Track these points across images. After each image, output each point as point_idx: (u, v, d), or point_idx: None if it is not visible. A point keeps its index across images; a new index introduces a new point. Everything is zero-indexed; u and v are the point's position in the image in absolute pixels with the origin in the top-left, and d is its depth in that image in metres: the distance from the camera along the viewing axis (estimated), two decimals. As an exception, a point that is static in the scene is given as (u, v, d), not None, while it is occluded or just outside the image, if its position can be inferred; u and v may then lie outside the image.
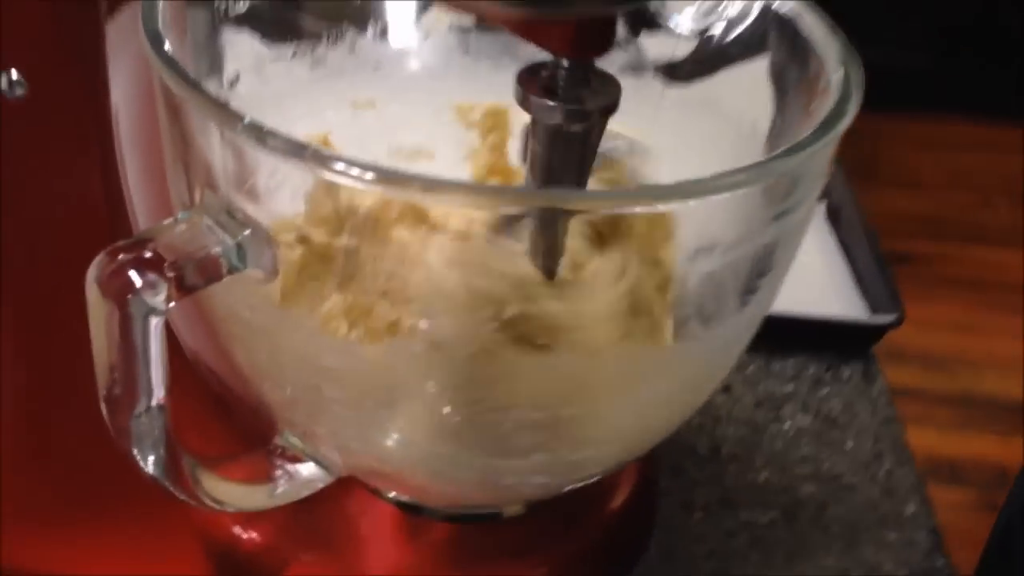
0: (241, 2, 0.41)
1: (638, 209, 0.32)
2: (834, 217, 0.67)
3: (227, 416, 0.41)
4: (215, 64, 0.40)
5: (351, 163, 0.28)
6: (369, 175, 0.28)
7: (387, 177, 0.28)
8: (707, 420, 0.52)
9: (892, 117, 2.85)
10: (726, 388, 0.54)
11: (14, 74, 0.33)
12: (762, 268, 0.36)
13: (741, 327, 0.37)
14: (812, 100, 0.37)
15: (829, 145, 0.32)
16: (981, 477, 1.76)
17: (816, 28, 0.38)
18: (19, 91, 0.33)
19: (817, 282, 0.61)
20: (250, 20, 0.41)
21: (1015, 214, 2.14)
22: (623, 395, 0.34)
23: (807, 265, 0.63)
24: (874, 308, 0.59)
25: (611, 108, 0.33)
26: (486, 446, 0.34)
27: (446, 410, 0.32)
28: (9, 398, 0.38)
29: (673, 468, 0.49)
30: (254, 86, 0.43)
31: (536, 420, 0.33)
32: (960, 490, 1.75)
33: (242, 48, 0.42)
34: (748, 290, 0.36)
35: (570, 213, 0.32)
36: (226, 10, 0.40)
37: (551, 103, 0.32)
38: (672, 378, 0.35)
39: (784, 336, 0.56)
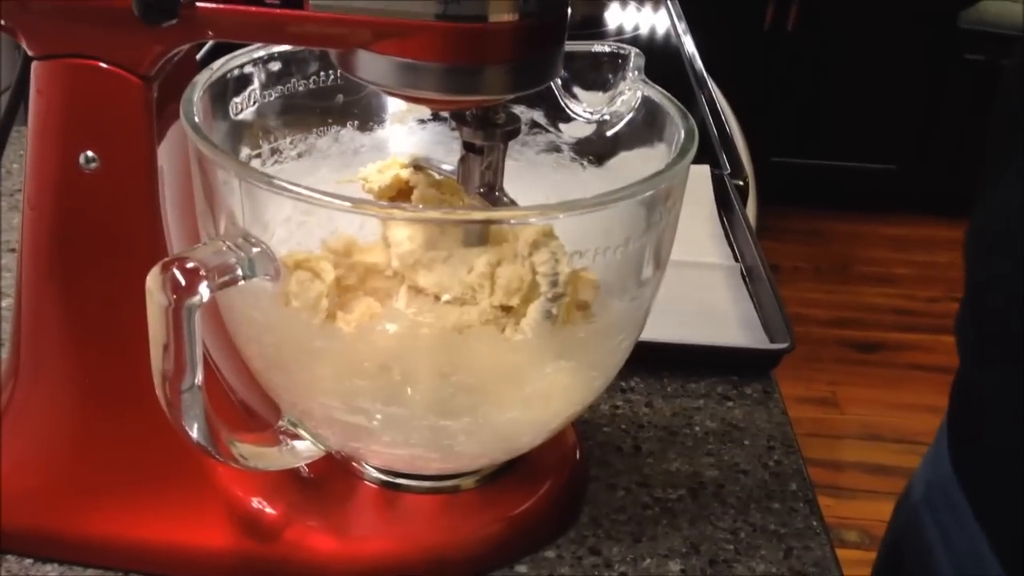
0: (248, 109, 0.54)
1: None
2: (747, 275, 0.81)
3: (239, 407, 0.53)
4: (230, 149, 0.53)
5: (330, 195, 0.41)
6: (345, 203, 0.41)
7: (356, 203, 0.41)
8: (631, 427, 0.64)
9: (866, 219, 3.04)
10: (648, 403, 0.66)
11: (90, 153, 0.46)
12: (642, 265, 0.49)
13: (622, 320, 0.49)
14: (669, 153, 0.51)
15: (678, 175, 0.47)
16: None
17: (673, 109, 0.52)
18: (93, 166, 0.46)
19: (730, 322, 0.74)
20: (257, 119, 0.55)
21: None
22: (528, 367, 0.46)
23: (724, 310, 0.76)
24: (772, 338, 0.71)
25: (514, 132, 0.50)
26: (431, 407, 0.46)
27: (403, 376, 0.45)
28: (74, 391, 0.50)
29: (601, 462, 0.61)
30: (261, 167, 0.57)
31: (470, 384, 0.45)
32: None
33: (248, 138, 0.56)
34: (635, 283, 0.49)
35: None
36: (238, 112, 0.54)
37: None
38: (564, 356, 0.47)
39: (699, 362, 0.68)
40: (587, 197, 0.45)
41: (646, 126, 0.56)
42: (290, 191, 0.42)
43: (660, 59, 1.31)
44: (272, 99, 0.56)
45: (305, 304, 0.45)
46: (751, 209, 1.08)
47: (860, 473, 2.04)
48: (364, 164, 0.59)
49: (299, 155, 0.59)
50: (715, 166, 0.99)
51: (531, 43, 0.46)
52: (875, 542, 1.97)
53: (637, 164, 0.56)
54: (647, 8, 1.52)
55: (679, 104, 0.53)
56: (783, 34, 2.71)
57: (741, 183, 0.98)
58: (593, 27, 1.40)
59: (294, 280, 0.45)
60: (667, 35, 1.43)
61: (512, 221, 0.48)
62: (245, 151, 0.55)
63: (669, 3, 1.51)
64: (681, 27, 1.41)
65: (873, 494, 1.96)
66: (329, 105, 0.59)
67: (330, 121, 0.60)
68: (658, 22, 1.47)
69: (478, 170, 0.52)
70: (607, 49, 0.58)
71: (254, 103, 0.55)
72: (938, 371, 2.10)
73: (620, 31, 1.43)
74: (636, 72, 0.57)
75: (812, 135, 2.87)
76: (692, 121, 0.51)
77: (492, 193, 0.53)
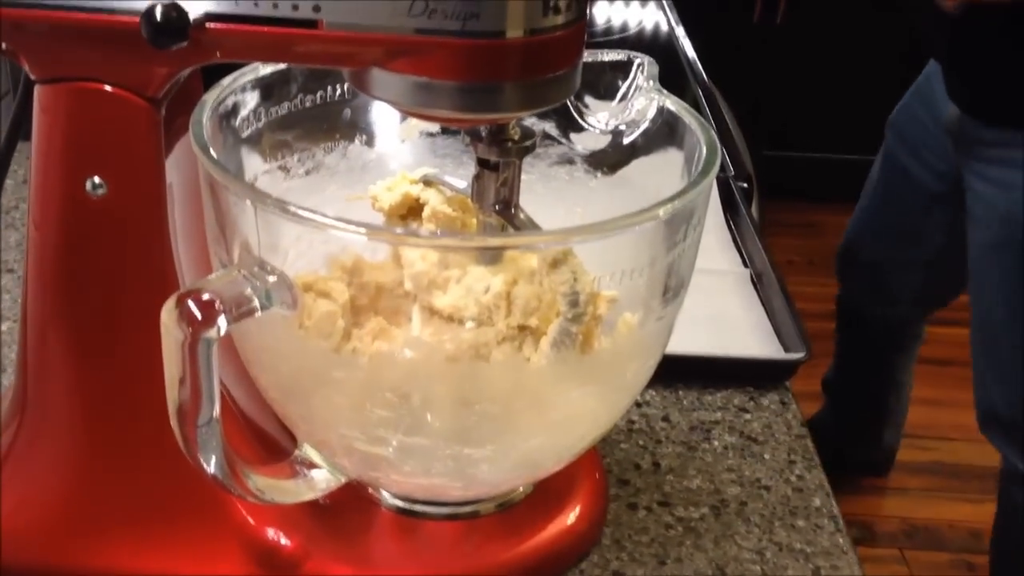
0: (255, 125, 0.53)
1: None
2: (757, 280, 0.79)
3: (254, 438, 0.51)
4: (238, 171, 0.52)
5: (344, 221, 0.39)
6: (360, 229, 0.39)
7: (371, 231, 0.40)
8: (649, 442, 0.63)
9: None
10: (665, 417, 0.65)
11: (97, 179, 0.45)
12: (668, 285, 0.48)
13: (649, 340, 0.48)
14: (691, 170, 0.50)
15: (701, 193, 0.45)
16: (958, 541, 1.84)
17: (692, 120, 0.51)
18: (100, 191, 0.45)
19: (743, 330, 0.73)
20: (265, 135, 0.54)
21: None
22: (554, 394, 0.45)
23: (735, 318, 0.75)
24: (787, 348, 0.70)
25: (530, 148, 0.49)
26: (454, 436, 0.45)
27: (423, 404, 0.43)
28: (83, 426, 0.49)
29: (620, 480, 0.59)
30: (269, 186, 0.55)
31: (493, 412, 0.44)
32: (937, 553, 1.83)
33: (256, 158, 0.54)
34: (660, 303, 0.48)
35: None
36: (246, 129, 0.53)
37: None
38: (591, 381, 0.46)
39: (715, 374, 0.67)
40: (608, 220, 0.43)
41: (662, 136, 0.54)
42: (308, 220, 0.40)
43: (655, 57, 1.29)
44: (279, 115, 0.55)
45: (319, 327, 0.44)
46: (755, 210, 1.07)
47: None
48: (373, 180, 0.57)
49: (307, 172, 0.57)
50: (719, 169, 0.97)
51: (548, 60, 0.44)
52: (875, 538, 1.97)
53: (653, 175, 0.55)
54: (636, 4, 1.51)
55: (697, 115, 0.52)
56: (772, 26, 2.70)
57: (745, 185, 0.97)
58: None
59: (307, 302, 0.44)
60: (657, 31, 1.41)
61: (530, 246, 0.46)
62: (253, 169, 0.54)
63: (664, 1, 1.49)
64: (677, 25, 1.40)
65: (870, 488, 1.95)
66: (337, 121, 0.57)
67: (338, 136, 0.58)
68: (648, 18, 1.45)
69: (493, 187, 0.50)
70: (619, 58, 0.57)
71: (261, 120, 0.53)
72: (934, 363, 2.09)
73: (610, 30, 1.42)
74: (651, 81, 0.56)
75: (803, 128, 2.87)
76: (713, 133, 0.49)
77: (508, 210, 0.51)
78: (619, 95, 0.57)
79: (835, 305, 1.78)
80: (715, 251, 0.84)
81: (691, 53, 1.28)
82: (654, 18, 1.45)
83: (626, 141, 0.57)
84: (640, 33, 1.40)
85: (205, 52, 0.42)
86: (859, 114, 2.80)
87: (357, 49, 0.43)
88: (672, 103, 0.53)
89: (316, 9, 0.41)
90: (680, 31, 1.38)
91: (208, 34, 0.42)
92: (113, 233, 0.46)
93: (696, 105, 1.12)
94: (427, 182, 0.56)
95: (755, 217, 0.96)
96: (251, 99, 0.52)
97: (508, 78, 0.44)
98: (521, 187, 0.51)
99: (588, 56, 0.56)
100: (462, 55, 0.42)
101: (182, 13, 0.40)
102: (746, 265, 0.82)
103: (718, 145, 0.49)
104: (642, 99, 0.55)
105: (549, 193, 0.59)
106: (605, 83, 0.57)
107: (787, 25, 2.71)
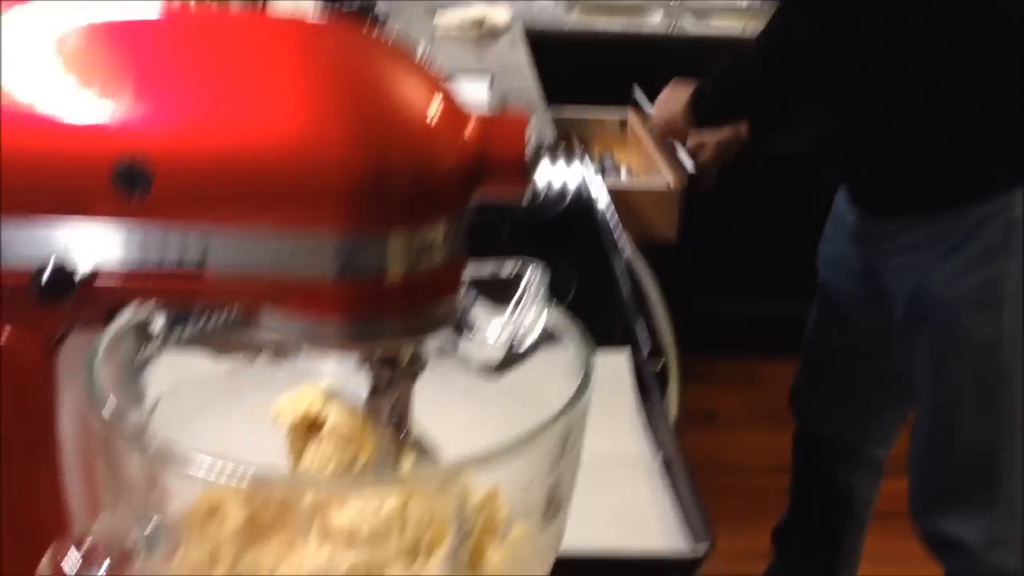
0: (154, 350, 0.55)
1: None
2: (666, 467, 0.81)
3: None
4: (136, 400, 0.53)
5: (235, 467, 0.41)
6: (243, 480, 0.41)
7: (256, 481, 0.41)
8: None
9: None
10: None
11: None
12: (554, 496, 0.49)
13: (540, 550, 0.49)
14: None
15: (577, 415, 0.47)
16: None
17: (573, 336, 0.53)
18: (-9, 433, 0.46)
19: (650, 520, 0.74)
20: (164, 359, 0.55)
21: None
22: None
23: (643, 507, 0.76)
24: (694, 536, 0.71)
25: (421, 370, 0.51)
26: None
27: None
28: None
29: None
30: (171, 408, 0.56)
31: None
32: None
33: (157, 382, 0.56)
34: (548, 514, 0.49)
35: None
36: (144, 356, 0.54)
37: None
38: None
39: (616, 573, 0.68)
40: (488, 449, 0.45)
41: (549, 346, 0.57)
42: (189, 465, 0.41)
43: (578, 222, 1.34)
44: (180, 338, 0.56)
45: (202, 559, 0.45)
46: (675, 388, 1.09)
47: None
48: (280, 392, 0.59)
49: (210, 389, 0.59)
50: (635, 349, 1.00)
51: (429, 293, 0.47)
52: None
53: (543, 383, 0.57)
54: (561, 162, 1.56)
55: (579, 329, 0.54)
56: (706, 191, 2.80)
57: (661, 366, 0.99)
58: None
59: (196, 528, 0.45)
60: (580, 194, 1.46)
61: (416, 480, 0.48)
62: (152, 393, 0.55)
63: (582, 160, 1.55)
64: (598, 188, 1.44)
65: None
66: (240, 337, 0.59)
67: (242, 352, 0.60)
68: (575, 179, 1.50)
69: (386, 408, 0.52)
70: (511, 269, 0.60)
71: (160, 345, 0.55)
72: (883, 516, 2.10)
73: (535, 193, 1.47)
74: (540, 293, 0.59)
75: (740, 282, 2.93)
76: (591, 350, 0.52)
77: (401, 429, 0.53)
78: (511, 306, 0.59)
79: (792, 442, 1.82)
80: (628, 436, 0.86)
81: (612, 218, 1.33)
82: (580, 177, 1.50)
83: (518, 349, 0.59)
84: (562, 196, 1.44)
85: (97, 301, 0.44)
86: (797, 267, 2.89)
87: (242, 292, 0.45)
88: (558, 317, 0.56)
89: (201, 257, 0.43)
90: (603, 195, 1.43)
91: (98, 285, 0.44)
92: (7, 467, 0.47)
93: (613, 275, 1.16)
94: (330, 396, 0.58)
95: (676, 395, 0.99)
96: (148, 327, 0.53)
97: (391, 313, 0.46)
98: (417, 393, 0.53)
99: (481, 267, 0.59)
100: (345, 295, 0.45)
101: (69, 273, 0.42)
102: (658, 452, 0.84)
103: (593, 364, 0.51)
104: (532, 311, 0.58)
105: (443, 396, 0.61)
106: (498, 294, 0.59)
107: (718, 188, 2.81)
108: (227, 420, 0.58)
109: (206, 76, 0.41)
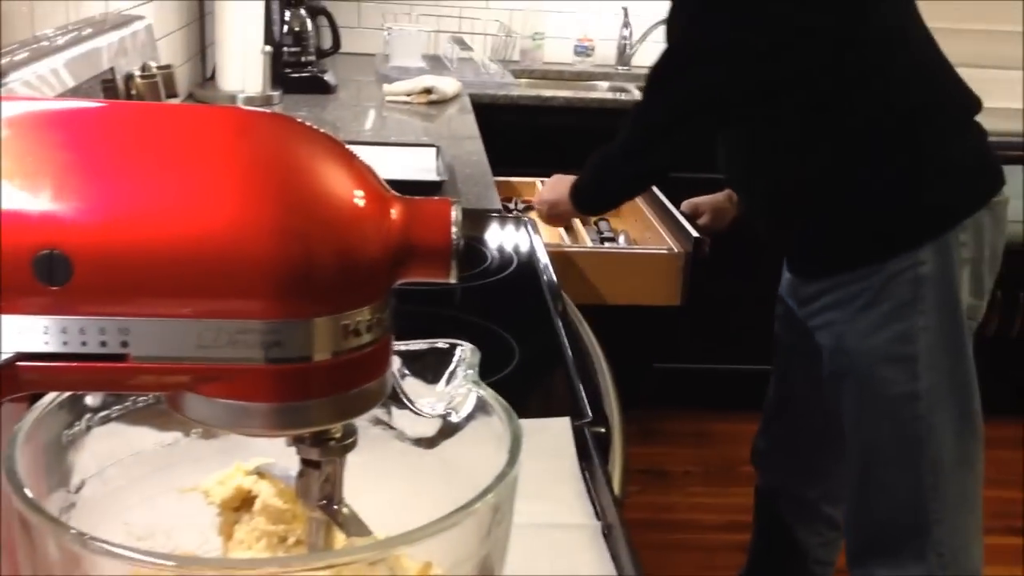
0: (82, 426, 0.55)
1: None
2: (607, 534, 0.82)
3: None
4: (64, 477, 0.53)
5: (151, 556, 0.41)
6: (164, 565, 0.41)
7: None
8: None
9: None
10: None
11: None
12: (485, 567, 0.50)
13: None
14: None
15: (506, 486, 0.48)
16: None
17: (500, 412, 0.54)
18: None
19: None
20: (90, 441, 0.56)
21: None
22: None
23: (582, 573, 0.76)
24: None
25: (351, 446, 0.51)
26: None
27: None
28: None
29: None
30: (102, 484, 0.56)
31: None
32: None
33: (86, 459, 0.56)
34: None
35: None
36: (72, 433, 0.54)
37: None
38: None
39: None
40: (419, 526, 0.46)
41: (479, 422, 0.58)
42: (108, 552, 0.42)
43: (522, 283, 1.36)
44: (109, 417, 0.57)
45: None
46: (619, 453, 1.09)
47: None
48: (214, 466, 0.59)
49: (143, 464, 0.59)
50: (579, 414, 1.01)
51: (356, 376, 0.48)
52: None
53: (474, 456, 0.58)
54: (510, 226, 1.58)
55: (506, 407, 0.55)
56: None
57: (603, 430, 1.00)
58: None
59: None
60: (522, 255, 1.48)
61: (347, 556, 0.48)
62: (78, 476, 0.55)
63: (528, 228, 1.57)
64: (540, 252, 1.46)
65: None
66: (170, 417, 0.60)
67: (171, 429, 0.60)
68: (522, 242, 1.52)
69: (317, 484, 0.53)
70: (443, 346, 0.61)
71: (88, 427, 0.55)
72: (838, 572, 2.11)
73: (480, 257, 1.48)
74: (471, 371, 0.60)
75: (692, 340, 2.96)
76: (517, 424, 0.53)
77: (331, 506, 0.53)
78: (442, 381, 0.60)
79: (754, 497, 1.84)
80: (570, 502, 0.87)
81: (554, 280, 1.35)
82: (524, 242, 1.52)
83: (450, 421, 0.60)
84: (505, 260, 1.46)
85: (17, 388, 0.44)
86: (749, 327, 2.93)
87: (167, 378, 0.45)
88: (487, 394, 0.57)
89: (124, 344, 0.44)
90: (544, 258, 1.44)
91: (18, 373, 0.44)
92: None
93: (558, 340, 1.17)
94: (260, 473, 0.58)
95: (620, 459, 0.99)
96: (74, 409, 0.54)
97: (318, 396, 0.47)
98: (349, 466, 0.54)
99: (414, 344, 0.60)
100: (270, 379, 0.45)
101: (-12, 359, 0.42)
102: (598, 517, 0.85)
103: (521, 439, 0.52)
104: (463, 387, 0.59)
105: (376, 466, 0.61)
106: (431, 369, 0.60)
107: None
108: (160, 495, 0.58)
109: (128, 167, 0.42)
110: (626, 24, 3.09)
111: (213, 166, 0.43)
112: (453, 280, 0.48)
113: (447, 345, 0.61)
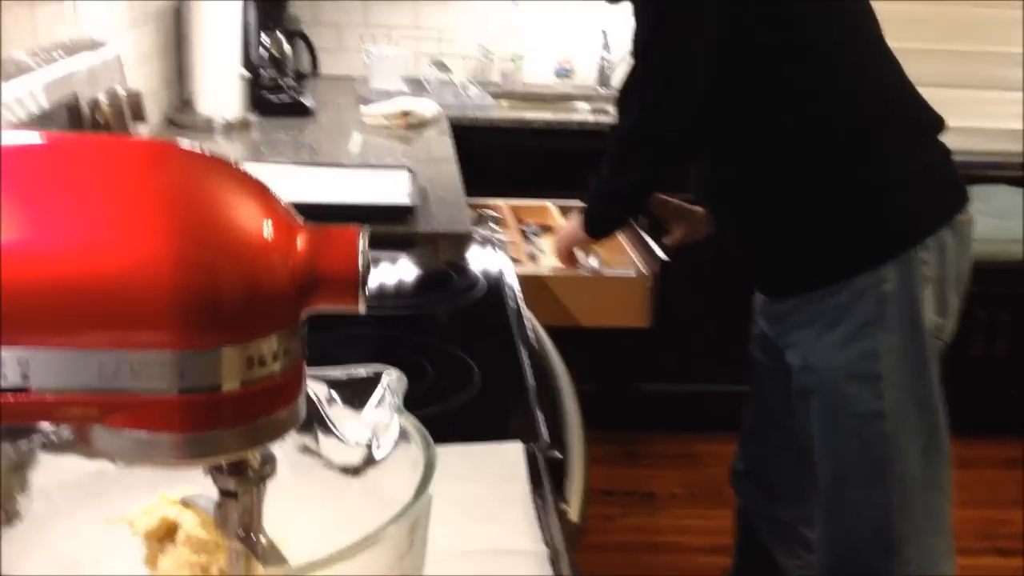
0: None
1: None
2: (554, 561, 0.81)
3: None
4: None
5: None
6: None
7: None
8: None
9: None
10: None
11: None
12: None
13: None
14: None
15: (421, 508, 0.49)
16: None
17: (418, 439, 0.55)
18: None
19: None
20: (15, 470, 0.55)
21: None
22: None
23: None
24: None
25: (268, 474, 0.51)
26: None
27: None
28: None
29: None
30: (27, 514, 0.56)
31: None
32: None
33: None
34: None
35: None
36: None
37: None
38: None
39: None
40: (333, 551, 0.46)
41: (401, 450, 0.58)
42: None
43: (488, 306, 1.36)
44: (34, 446, 0.57)
45: None
46: (580, 479, 1.08)
47: None
48: (142, 494, 0.59)
49: (69, 491, 0.59)
50: (534, 439, 1.00)
51: (266, 405, 0.48)
52: None
53: (398, 483, 0.58)
54: (480, 249, 1.58)
55: (425, 433, 0.55)
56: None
57: (559, 455, 1.00)
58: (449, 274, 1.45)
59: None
60: (491, 276, 1.48)
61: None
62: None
63: (498, 250, 1.57)
64: (508, 274, 1.46)
65: None
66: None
67: (100, 458, 0.60)
68: (491, 263, 1.52)
69: (235, 514, 0.53)
70: (367, 375, 0.61)
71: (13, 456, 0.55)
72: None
73: (456, 271, 1.48)
74: (395, 398, 0.60)
75: (672, 360, 2.95)
76: (433, 452, 0.53)
77: (250, 537, 0.53)
78: (368, 407, 0.61)
79: (734, 519, 1.84)
80: (519, 528, 0.86)
81: (524, 311, 1.35)
82: (493, 265, 1.52)
83: (374, 448, 0.60)
84: (471, 283, 1.46)
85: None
86: (733, 347, 2.92)
87: (71, 410, 0.45)
88: (407, 422, 0.57)
89: (24, 377, 0.44)
90: (512, 280, 1.44)
91: (-82, 405, 0.44)
92: None
93: (520, 364, 1.17)
94: (185, 503, 0.58)
95: (580, 485, 0.99)
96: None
97: (227, 426, 0.47)
98: (273, 490, 0.53)
99: (340, 371, 0.60)
100: (178, 410, 0.45)
101: None
102: (547, 544, 0.84)
103: (434, 467, 0.52)
104: (387, 413, 0.59)
105: (307, 495, 0.61)
106: (356, 396, 0.61)
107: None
108: (87, 525, 0.57)
109: (30, 199, 0.42)
110: (606, 46, 3.11)
111: (117, 197, 0.43)
112: (362, 309, 0.48)
113: (371, 373, 0.61)
